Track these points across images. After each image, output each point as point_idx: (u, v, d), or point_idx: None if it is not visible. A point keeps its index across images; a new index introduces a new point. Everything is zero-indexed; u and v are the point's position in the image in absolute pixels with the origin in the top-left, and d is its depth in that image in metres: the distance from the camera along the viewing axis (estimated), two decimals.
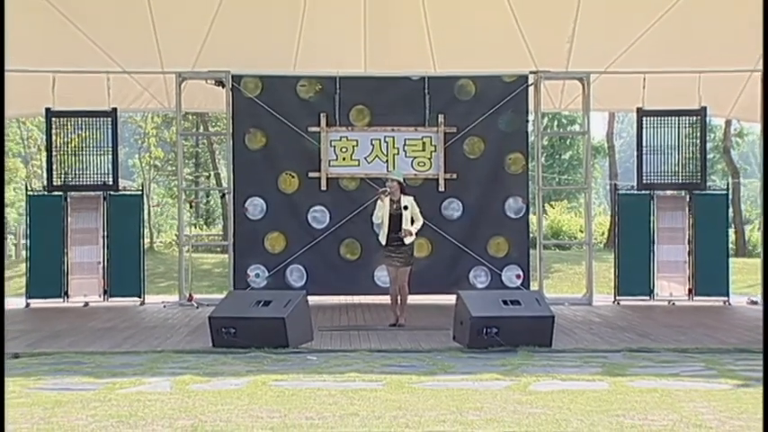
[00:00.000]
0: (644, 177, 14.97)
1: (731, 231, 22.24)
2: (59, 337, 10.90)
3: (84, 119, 14.90)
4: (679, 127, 15.00)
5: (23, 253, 18.83)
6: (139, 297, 14.78)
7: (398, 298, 11.67)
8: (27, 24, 14.53)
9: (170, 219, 37.23)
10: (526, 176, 14.71)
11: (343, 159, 14.49)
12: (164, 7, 14.72)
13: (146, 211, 19.86)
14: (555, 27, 15.19)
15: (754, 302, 14.67)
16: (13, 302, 14.51)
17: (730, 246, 17.09)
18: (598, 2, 14.64)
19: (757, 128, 16.72)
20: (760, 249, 15.50)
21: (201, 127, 29.30)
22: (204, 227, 36.61)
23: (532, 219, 15.40)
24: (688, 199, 14.96)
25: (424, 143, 14.51)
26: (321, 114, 14.40)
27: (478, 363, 8.73)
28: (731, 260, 15.49)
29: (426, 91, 14.43)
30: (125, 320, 12.67)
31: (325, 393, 7.17)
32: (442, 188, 14.39)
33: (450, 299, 10.90)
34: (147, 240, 21.48)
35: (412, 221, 11.52)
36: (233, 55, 14.60)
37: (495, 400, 6.94)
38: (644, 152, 14.96)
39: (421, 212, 11.74)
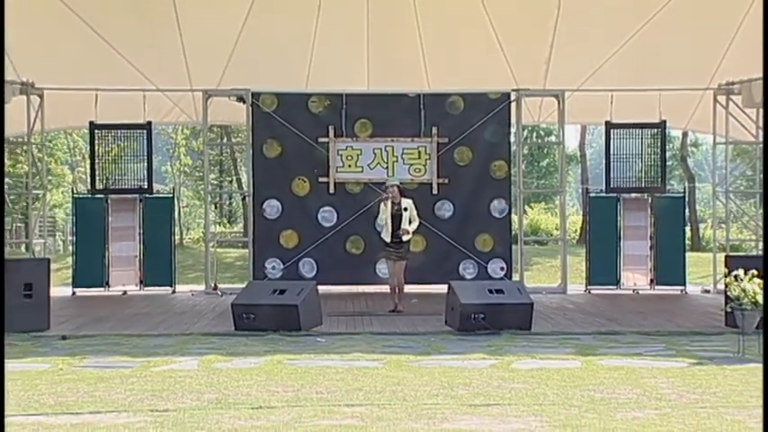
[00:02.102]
0: (612, 182, 14.98)
1: (687, 229, 22.20)
2: (101, 322, 10.90)
3: (122, 131, 14.93)
4: (642, 138, 14.99)
5: (70, 248, 18.78)
6: (171, 286, 14.77)
7: (397, 288, 11.66)
8: (73, 48, 14.55)
9: (197, 218, 37.12)
10: (509, 181, 14.68)
11: (349, 166, 14.46)
12: (192, 33, 14.73)
13: (176, 212, 19.81)
14: (534, 51, 15.18)
15: (707, 291, 14.66)
16: (61, 291, 14.49)
17: (687, 242, 17.08)
18: (572, 29, 14.63)
19: (709, 138, 16.70)
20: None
21: (225, 138, 29.20)
22: (227, 225, 36.57)
23: (514, 218, 15.37)
24: (650, 201, 14.94)
25: (419, 152, 14.48)
26: (329, 127, 14.37)
27: (467, 344, 8.73)
28: (687, 254, 15.50)
29: (421, 106, 14.40)
30: (158, 307, 12.66)
31: (333, 371, 7.17)
32: (435, 191, 14.36)
33: (442, 288, 10.88)
34: (177, 237, 21.39)
35: (410, 221, 11.52)
36: (252, 74, 14.60)
37: (482, 376, 6.94)
38: (612, 160, 14.99)
39: (417, 213, 11.73)
